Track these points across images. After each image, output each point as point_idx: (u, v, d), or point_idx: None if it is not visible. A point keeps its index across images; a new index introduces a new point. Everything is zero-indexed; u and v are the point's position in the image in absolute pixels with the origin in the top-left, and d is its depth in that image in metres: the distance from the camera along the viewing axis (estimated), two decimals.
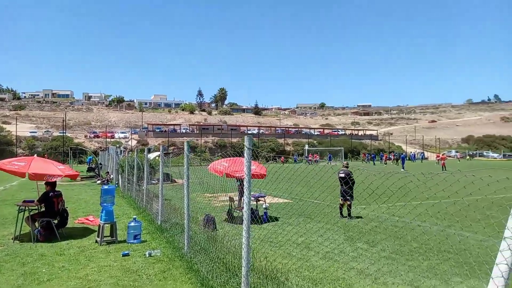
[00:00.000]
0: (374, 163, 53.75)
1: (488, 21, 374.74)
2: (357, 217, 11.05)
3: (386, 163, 52.60)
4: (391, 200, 11.31)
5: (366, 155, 62.83)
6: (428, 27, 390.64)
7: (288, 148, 70.14)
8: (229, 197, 10.86)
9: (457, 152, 78.77)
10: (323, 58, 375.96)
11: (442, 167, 37.47)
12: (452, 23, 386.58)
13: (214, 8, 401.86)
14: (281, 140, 71.24)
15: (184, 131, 74.52)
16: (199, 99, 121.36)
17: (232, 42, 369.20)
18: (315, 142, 74.12)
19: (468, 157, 75.03)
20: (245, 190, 4.24)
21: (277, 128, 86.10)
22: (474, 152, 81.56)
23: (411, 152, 71.12)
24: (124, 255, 6.92)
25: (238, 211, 11.20)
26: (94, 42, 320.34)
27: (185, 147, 6.56)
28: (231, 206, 10.76)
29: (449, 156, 68.75)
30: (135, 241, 7.83)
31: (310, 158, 57.77)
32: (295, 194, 13.64)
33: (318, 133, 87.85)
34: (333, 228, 9.65)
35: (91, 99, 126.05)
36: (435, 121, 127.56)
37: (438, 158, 39.96)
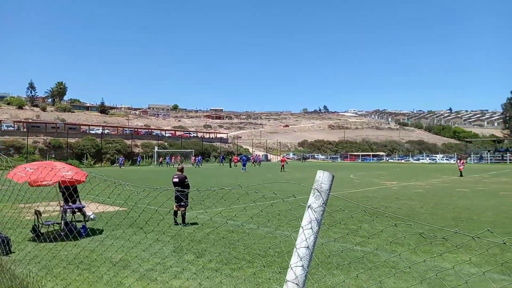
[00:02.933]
0: (198, 167, 54.40)
1: (320, 40, 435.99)
2: (193, 224, 10.41)
3: (236, 165, 52.86)
4: (228, 203, 11.01)
5: (197, 158, 58.48)
6: (269, 44, 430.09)
7: (136, 150, 66.19)
8: (35, 211, 8.77)
9: (294, 154, 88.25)
10: (176, 59, 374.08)
11: (281, 167, 41.03)
12: (290, 43, 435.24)
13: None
14: (129, 141, 66.71)
15: (6, 128, 62.33)
16: (31, 92, 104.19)
17: (79, 37, 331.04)
18: (166, 144, 72.09)
19: (302, 159, 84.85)
20: None
21: (125, 129, 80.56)
22: (308, 155, 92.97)
23: (256, 155, 76.25)
24: None
25: (46, 226, 9.19)
26: None
27: None
28: (37, 221, 8.71)
29: (288, 158, 76.20)
30: None
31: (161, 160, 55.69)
32: (129, 199, 12.20)
33: (170, 134, 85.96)
34: (163, 238, 8.71)
35: None
36: (288, 126, 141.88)
37: (283, 161, 44.04)
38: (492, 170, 44.15)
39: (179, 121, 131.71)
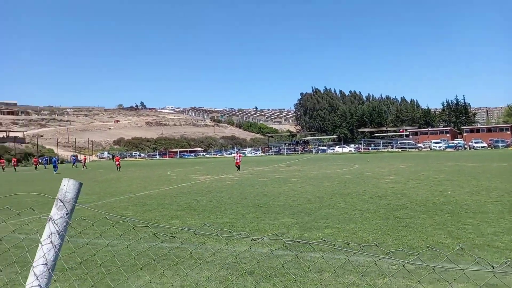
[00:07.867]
0: None
1: (135, 35, 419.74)
2: None
3: (36, 168, 50.63)
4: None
5: None
6: (77, 32, 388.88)
7: None
8: None
9: (109, 153, 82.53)
10: None
11: (117, 167, 38.04)
12: (103, 32, 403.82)
13: None
14: None
15: None
16: None
17: None
18: None
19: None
20: None
21: None
22: (125, 153, 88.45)
23: (72, 156, 67.79)
24: None
25: None
26: None
27: None
28: None
29: (103, 158, 70.71)
30: None
31: None
32: None
33: None
34: None
35: None
36: (119, 121, 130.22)
37: (118, 161, 40.41)
38: (287, 160, 52.23)
39: None
